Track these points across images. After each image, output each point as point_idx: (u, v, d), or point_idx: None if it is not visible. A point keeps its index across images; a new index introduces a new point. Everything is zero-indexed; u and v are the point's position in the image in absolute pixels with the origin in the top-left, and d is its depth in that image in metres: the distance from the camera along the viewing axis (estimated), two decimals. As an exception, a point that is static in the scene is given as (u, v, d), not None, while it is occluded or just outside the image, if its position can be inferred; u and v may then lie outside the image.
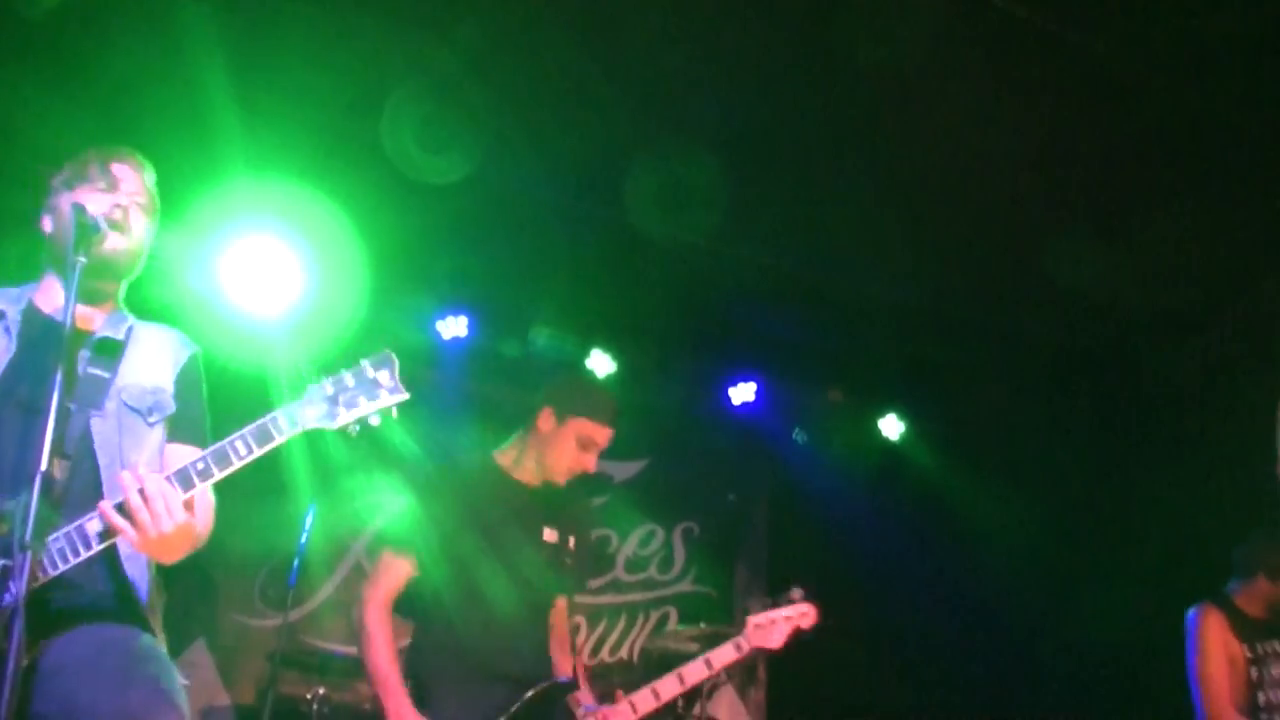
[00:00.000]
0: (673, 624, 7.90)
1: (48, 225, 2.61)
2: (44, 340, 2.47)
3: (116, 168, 2.59)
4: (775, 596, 3.83)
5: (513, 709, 3.19)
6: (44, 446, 2.12)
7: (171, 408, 2.62)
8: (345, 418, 2.38)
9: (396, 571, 3.29)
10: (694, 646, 6.14)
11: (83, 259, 2.32)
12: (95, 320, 2.60)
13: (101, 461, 2.45)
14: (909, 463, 8.07)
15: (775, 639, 3.40)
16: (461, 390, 7.36)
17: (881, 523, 7.87)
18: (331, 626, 6.83)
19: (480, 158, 5.46)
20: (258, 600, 6.72)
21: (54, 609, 2.27)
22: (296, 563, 5.43)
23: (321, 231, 5.69)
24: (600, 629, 7.74)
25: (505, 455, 3.49)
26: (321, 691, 5.39)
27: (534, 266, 6.52)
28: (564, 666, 3.44)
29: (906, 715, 7.31)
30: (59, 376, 2.18)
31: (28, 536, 2.04)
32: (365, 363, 2.41)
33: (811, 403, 8.15)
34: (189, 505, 2.29)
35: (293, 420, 2.35)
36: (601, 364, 7.56)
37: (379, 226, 5.66)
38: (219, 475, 2.32)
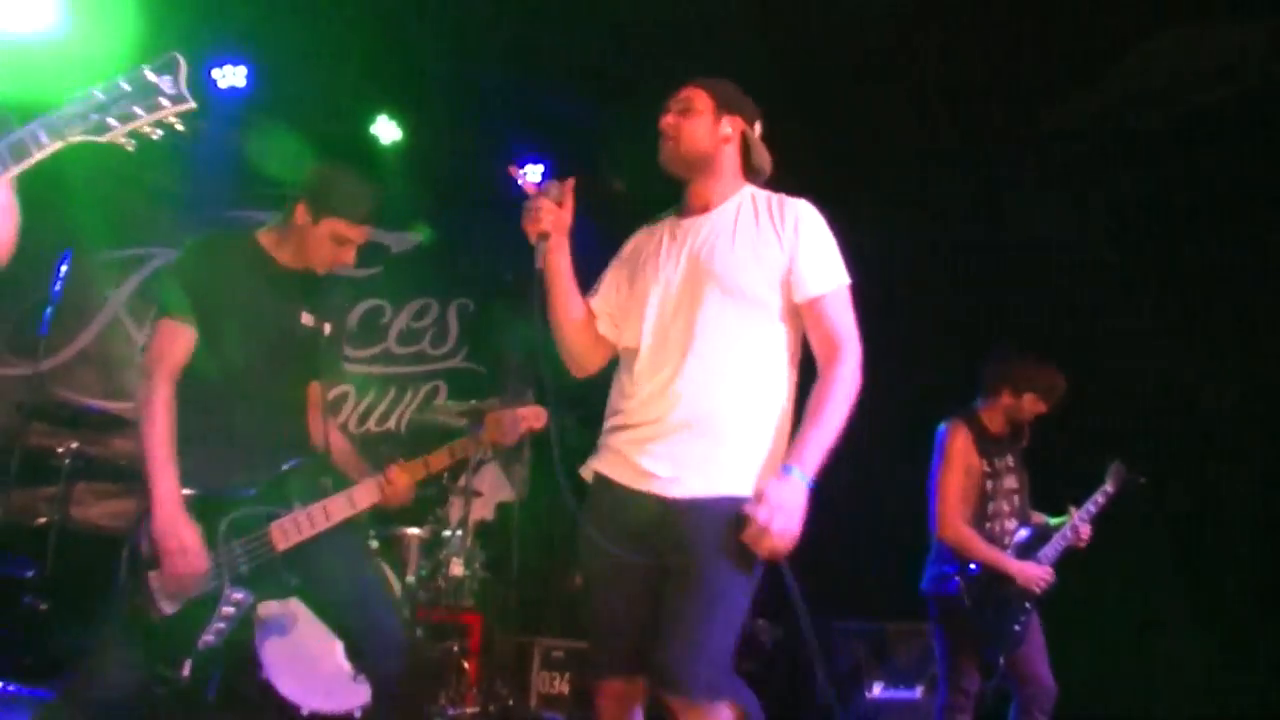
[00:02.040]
0: (442, 398, 7.97)
1: None
2: None
3: None
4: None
5: (276, 474, 3.19)
6: None
7: None
8: (118, 129, 2.09)
9: (183, 342, 3.18)
10: (461, 421, 6.28)
11: None
12: None
13: None
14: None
15: (510, 435, 3.55)
16: (233, 145, 7.03)
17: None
18: (86, 380, 6.60)
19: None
20: (4, 348, 6.38)
21: None
22: (49, 311, 5.15)
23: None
24: (369, 399, 7.75)
25: (268, 236, 3.39)
26: (74, 445, 5.24)
27: (326, 17, 6.17)
28: (319, 439, 3.44)
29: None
30: None
31: None
32: (144, 68, 2.11)
33: (595, 190, 8.15)
34: None
35: (55, 131, 2.07)
36: (387, 130, 7.33)
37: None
38: None
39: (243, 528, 3.11)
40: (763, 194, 2.97)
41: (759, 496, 2.61)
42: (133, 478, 5.89)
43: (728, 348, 2.77)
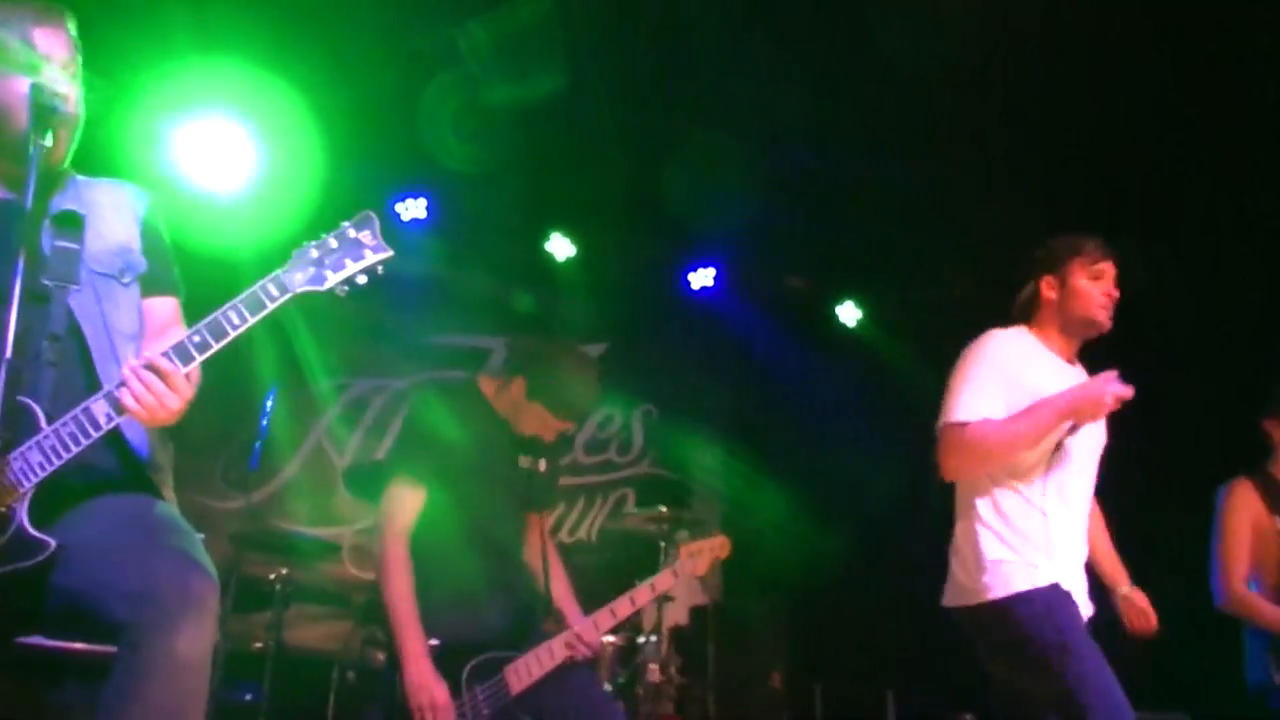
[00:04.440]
0: (630, 505, 8.04)
1: None
2: (2, 224, 2.42)
3: (40, 34, 2.43)
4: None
5: (508, 620, 3.30)
6: (8, 330, 2.11)
7: (143, 264, 2.57)
8: (333, 279, 2.37)
9: (411, 503, 3.33)
10: (651, 527, 6.32)
11: (46, 142, 2.28)
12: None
13: (87, 333, 2.40)
14: (866, 349, 8.17)
15: (701, 567, 3.68)
16: (420, 274, 7.34)
17: (838, 408, 8.00)
18: (293, 508, 6.90)
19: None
20: (219, 481, 6.74)
21: (67, 486, 2.26)
22: (258, 445, 5.43)
23: (277, 113, 5.61)
24: (559, 510, 7.86)
25: (488, 384, 3.55)
26: (285, 572, 5.45)
27: (497, 143, 6.44)
28: (538, 570, 3.56)
29: (850, 587, 7.50)
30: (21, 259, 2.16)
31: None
32: (346, 224, 2.41)
33: (771, 288, 8.20)
34: (190, 378, 2.28)
35: (282, 286, 2.33)
36: (561, 247, 7.54)
37: (334, 105, 5.58)
38: (216, 347, 2.29)
39: (482, 674, 3.21)
40: None
41: None
42: (341, 601, 6.14)
43: None
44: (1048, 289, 3.33)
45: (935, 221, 6.93)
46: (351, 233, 2.41)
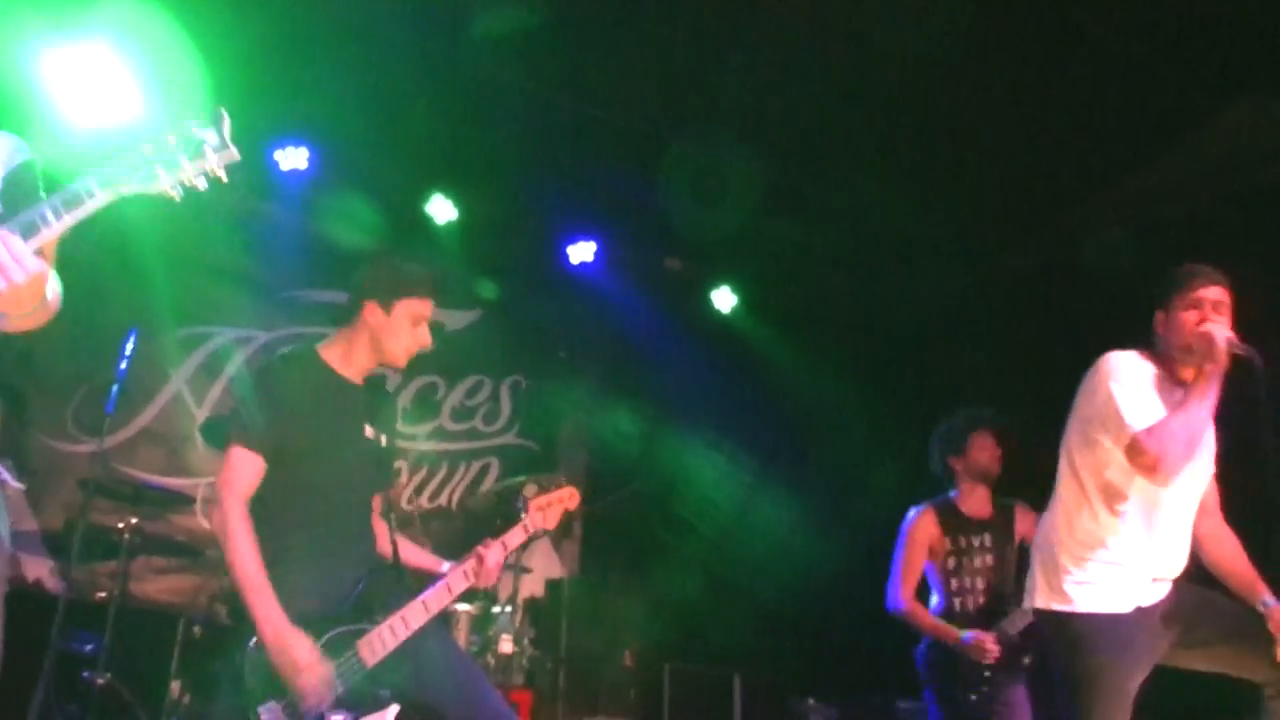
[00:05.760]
0: (494, 475, 8.02)
1: None
2: None
3: None
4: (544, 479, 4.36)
5: (356, 592, 3.24)
6: None
7: None
8: (165, 180, 2.17)
9: (252, 468, 3.23)
10: (509, 496, 6.32)
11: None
12: None
13: None
14: (739, 336, 8.28)
15: (551, 520, 3.68)
16: (295, 226, 7.19)
17: (707, 392, 8.10)
18: (147, 456, 6.71)
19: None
20: (70, 425, 6.52)
21: None
22: (115, 388, 5.24)
23: (156, 43, 5.40)
24: (421, 475, 7.80)
25: (331, 351, 3.46)
26: (134, 521, 5.30)
27: (382, 102, 6.32)
28: (386, 548, 3.51)
29: (704, 571, 7.62)
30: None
31: None
32: (189, 121, 2.20)
33: (649, 268, 8.23)
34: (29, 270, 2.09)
35: (105, 181, 2.12)
36: (442, 210, 7.46)
37: (219, 42, 5.40)
38: (30, 243, 2.09)
39: (334, 649, 3.13)
40: None
41: None
42: (191, 554, 6.01)
43: None
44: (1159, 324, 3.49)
45: (816, 214, 7.05)
46: (194, 131, 2.19)
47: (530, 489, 5.78)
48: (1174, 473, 3.16)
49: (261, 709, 3.00)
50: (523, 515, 3.70)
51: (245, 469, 3.21)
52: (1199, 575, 3.48)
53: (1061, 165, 6.42)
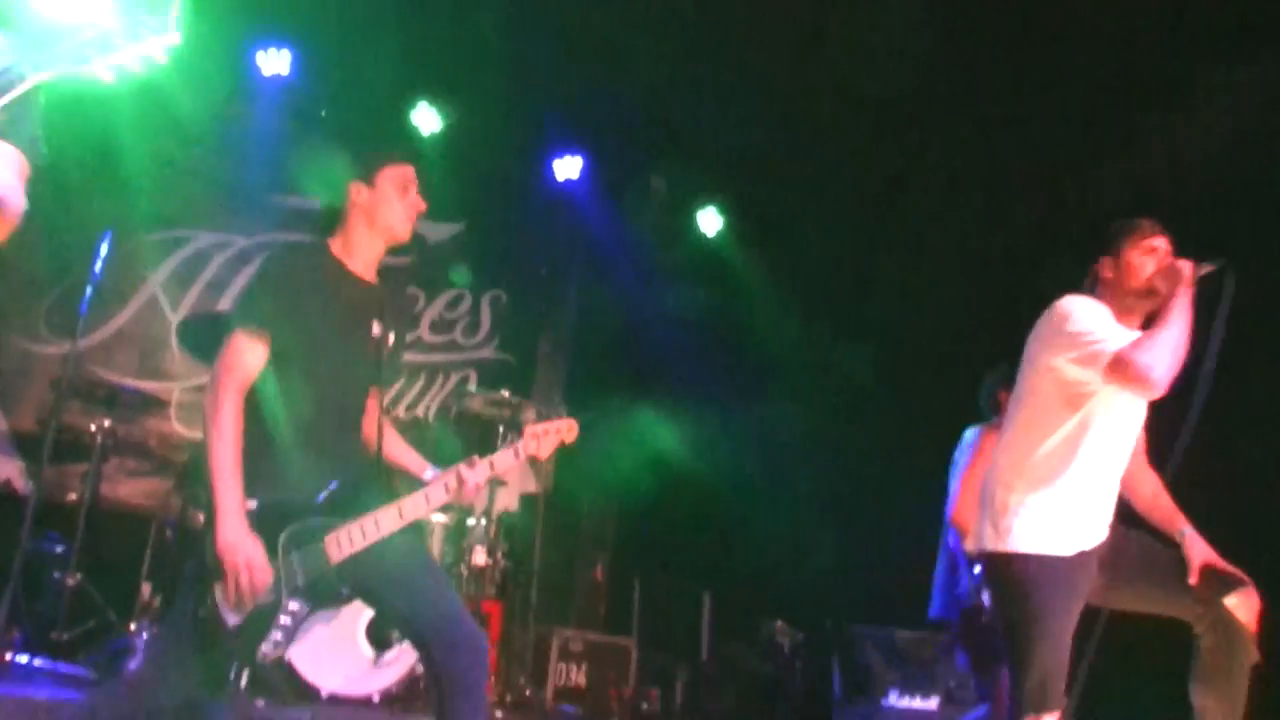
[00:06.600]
0: (472, 387, 8.00)
1: None
2: None
3: None
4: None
5: (332, 487, 3.22)
6: None
7: None
8: (99, 61, 2.08)
9: (254, 356, 3.19)
10: (492, 410, 6.33)
11: None
12: None
13: None
14: (722, 259, 8.24)
15: (545, 450, 3.62)
16: (275, 130, 7.08)
17: (686, 315, 8.07)
18: (121, 359, 6.67)
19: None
20: (43, 326, 6.46)
21: None
22: (90, 289, 5.18)
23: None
24: (399, 385, 7.78)
25: (337, 245, 3.42)
26: (106, 424, 5.29)
27: (369, 4, 6.18)
28: (373, 445, 3.49)
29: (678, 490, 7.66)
30: None
31: None
32: (135, 4, 2.12)
33: (634, 187, 8.16)
34: None
35: (37, 64, 2.06)
36: (428, 120, 7.35)
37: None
38: None
39: (300, 540, 3.13)
40: None
41: None
42: (163, 458, 6.00)
43: None
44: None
45: (812, 136, 6.96)
46: (134, 9, 2.10)
47: (529, 413, 5.80)
48: (1165, 383, 3.14)
49: (218, 586, 3.02)
50: (517, 440, 3.68)
51: (247, 356, 3.17)
52: (1120, 513, 3.52)
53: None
